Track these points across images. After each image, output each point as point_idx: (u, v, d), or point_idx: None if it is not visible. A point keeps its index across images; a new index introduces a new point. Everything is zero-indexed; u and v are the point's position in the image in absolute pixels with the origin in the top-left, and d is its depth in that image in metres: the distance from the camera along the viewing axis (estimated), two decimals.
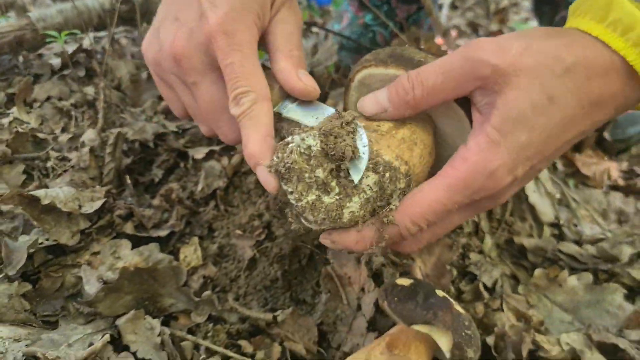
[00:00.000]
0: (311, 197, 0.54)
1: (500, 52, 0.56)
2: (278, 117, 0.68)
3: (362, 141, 0.56)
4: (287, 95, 0.70)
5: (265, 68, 0.70)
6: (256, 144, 0.61)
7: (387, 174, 0.56)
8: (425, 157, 0.64)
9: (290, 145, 0.55)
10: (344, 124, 0.56)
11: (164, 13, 0.74)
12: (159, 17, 0.75)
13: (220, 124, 0.72)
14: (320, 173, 0.54)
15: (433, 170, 0.64)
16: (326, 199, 0.54)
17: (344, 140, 0.54)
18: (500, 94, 0.56)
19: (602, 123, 0.63)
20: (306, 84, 0.68)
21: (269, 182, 0.58)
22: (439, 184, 0.58)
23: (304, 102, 0.69)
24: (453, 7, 2.83)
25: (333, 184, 0.54)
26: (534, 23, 1.63)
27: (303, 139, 0.54)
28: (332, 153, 0.54)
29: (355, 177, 0.54)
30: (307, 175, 0.54)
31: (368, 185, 0.55)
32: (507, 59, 0.55)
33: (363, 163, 0.55)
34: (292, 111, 0.68)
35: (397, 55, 0.66)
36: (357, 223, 0.56)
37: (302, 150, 0.54)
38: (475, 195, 0.58)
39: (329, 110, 0.67)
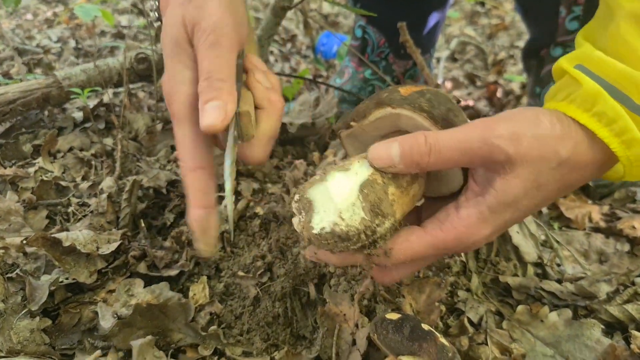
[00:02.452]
0: None
1: (515, 141, 0.59)
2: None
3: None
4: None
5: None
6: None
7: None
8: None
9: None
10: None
11: None
12: None
13: None
14: None
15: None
16: None
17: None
18: (501, 177, 0.61)
19: None
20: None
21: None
22: (424, 240, 0.65)
23: None
24: (453, 59, 2.96)
25: None
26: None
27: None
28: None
29: None
30: None
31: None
32: (520, 150, 0.59)
33: None
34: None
35: (449, 119, 0.66)
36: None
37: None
38: (451, 252, 0.68)
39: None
